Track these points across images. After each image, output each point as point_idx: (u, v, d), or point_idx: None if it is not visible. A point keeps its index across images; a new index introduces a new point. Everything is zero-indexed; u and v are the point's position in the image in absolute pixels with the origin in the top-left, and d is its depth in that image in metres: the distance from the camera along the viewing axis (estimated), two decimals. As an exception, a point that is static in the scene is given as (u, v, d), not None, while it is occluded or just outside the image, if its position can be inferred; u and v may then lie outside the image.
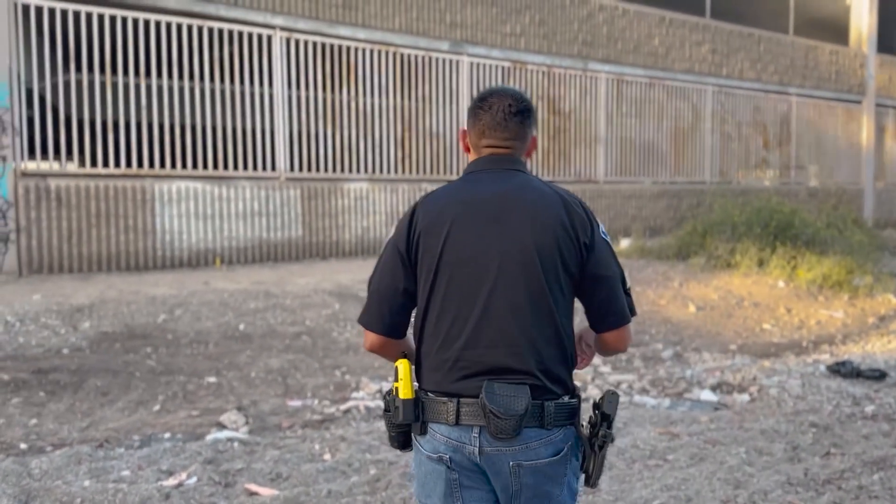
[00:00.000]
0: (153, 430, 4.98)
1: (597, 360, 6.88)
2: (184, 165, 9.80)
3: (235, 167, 10.37)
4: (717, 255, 10.92)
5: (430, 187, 11.59)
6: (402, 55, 11.50)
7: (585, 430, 1.84)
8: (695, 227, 11.91)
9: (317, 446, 4.26)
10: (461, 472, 1.80)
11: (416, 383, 1.85)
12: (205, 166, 10.04)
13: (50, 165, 8.96)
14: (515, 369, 1.75)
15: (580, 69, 13.70)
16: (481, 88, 12.42)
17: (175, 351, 6.50)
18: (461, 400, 1.76)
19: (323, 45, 10.73)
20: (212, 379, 5.96)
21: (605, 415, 1.83)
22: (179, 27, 9.56)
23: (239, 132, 10.13)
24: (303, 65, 10.50)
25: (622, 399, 5.68)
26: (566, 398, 1.81)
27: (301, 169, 10.77)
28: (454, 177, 12.21)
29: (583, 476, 1.86)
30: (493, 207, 1.81)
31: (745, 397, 5.70)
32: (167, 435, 4.73)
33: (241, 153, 10.20)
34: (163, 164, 9.62)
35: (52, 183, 8.68)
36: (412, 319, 1.92)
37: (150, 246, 9.35)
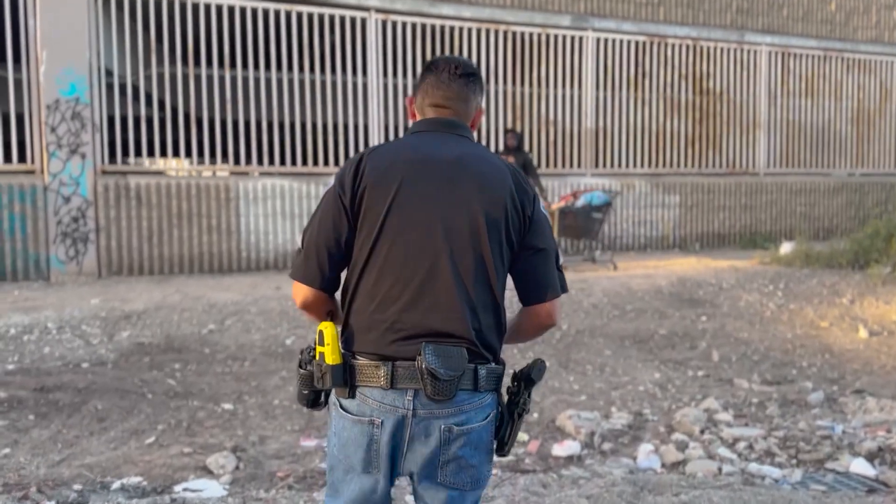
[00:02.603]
0: (133, 468, 4.19)
1: (714, 404, 5.26)
2: (270, 161, 9.17)
3: (326, 162, 9.61)
4: (906, 263, 8.71)
5: (550, 181, 10.23)
6: (514, 34, 10.22)
7: (504, 398, 1.88)
8: (877, 229, 9.69)
9: (266, 523, 3.20)
10: (390, 436, 1.77)
11: (342, 345, 1.83)
12: (293, 162, 9.36)
13: (130, 162, 8.64)
14: (453, 334, 1.77)
15: (734, 41, 11.69)
16: (610, 67, 10.95)
17: (205, 368, 5.74)
18: (396, 363, 1.76)
19: (423, 27, 9.71)
20: (228, 406, 5.11)
21: (530, 382, 1.87)
22: (266, 13, 8.92)
23: (330, 125, 9.37)
24: (400, 50, 9.54)
25: (730, 469, 4.12)
26: (493, 364, 1.85)
27: (399, 163, 9.82)
28: (575, 168, 10.77)
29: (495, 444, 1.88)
30: (444, 172, 1.81)
31: (920, 476, 3.95)
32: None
33: (331, 147, 9.43)
34: (248, 160, 9.03)
35: (132, 181, 8.33)
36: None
37: (234, 247, 8.80)
